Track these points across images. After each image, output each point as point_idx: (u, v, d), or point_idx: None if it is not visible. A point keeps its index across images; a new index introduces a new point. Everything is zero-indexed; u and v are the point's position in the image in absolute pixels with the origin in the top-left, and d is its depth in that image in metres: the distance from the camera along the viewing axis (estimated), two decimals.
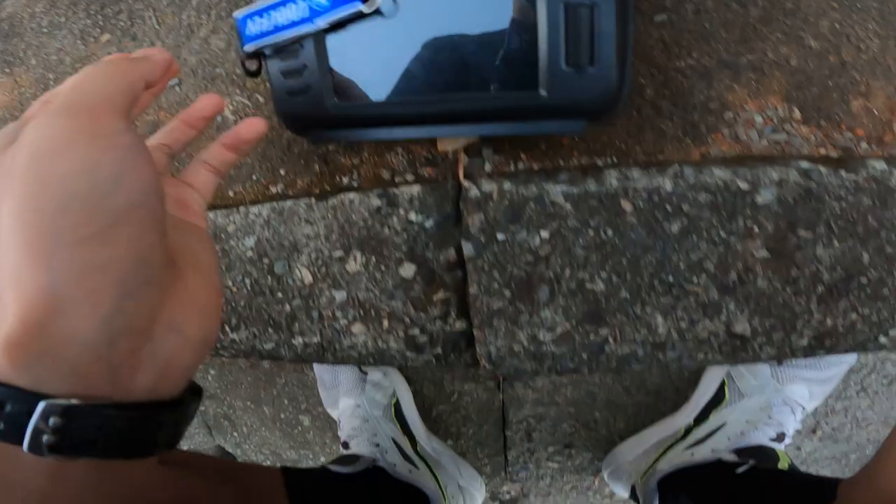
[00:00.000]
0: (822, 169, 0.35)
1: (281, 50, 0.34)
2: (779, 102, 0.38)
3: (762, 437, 0.64)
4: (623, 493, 0.76)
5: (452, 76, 0.33)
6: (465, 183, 0.40)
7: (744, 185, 0.35)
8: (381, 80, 0.34)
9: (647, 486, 0.69)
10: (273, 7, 0.32)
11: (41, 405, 0.19)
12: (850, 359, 0.60)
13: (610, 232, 0.37)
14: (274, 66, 0.35)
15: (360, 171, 0.44)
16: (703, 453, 0.66)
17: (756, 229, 0.36)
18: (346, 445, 0.65)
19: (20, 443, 0.20)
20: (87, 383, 0.20)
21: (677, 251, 0.37)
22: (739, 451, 0.63)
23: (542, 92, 0.31)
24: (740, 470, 0.59)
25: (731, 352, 0.41)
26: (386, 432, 0.65)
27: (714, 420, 0.67)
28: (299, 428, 0.76)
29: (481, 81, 0.32)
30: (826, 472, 0.81)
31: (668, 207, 0.36)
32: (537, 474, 0.79)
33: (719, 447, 0.65)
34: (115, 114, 0.22)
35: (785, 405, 0.62)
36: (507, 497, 0.84)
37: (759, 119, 0.38)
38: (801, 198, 0.35)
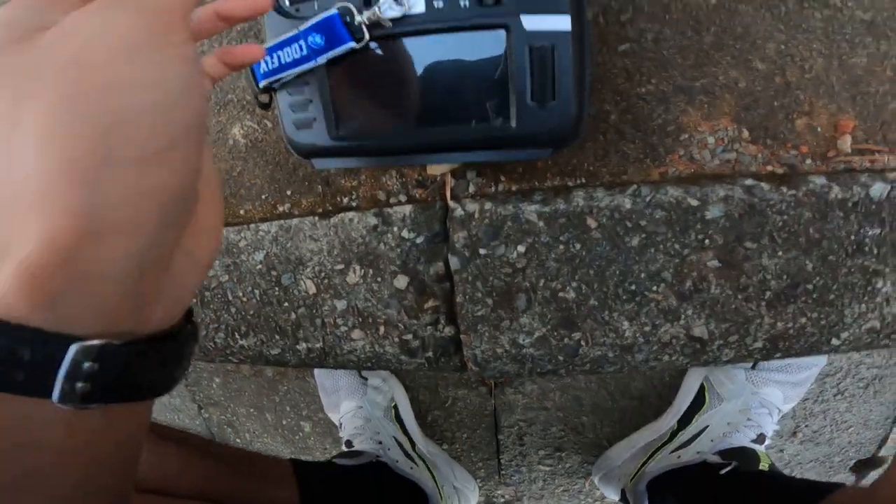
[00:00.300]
0: (765, 186, 0.40)
1: (289, 85, 0.39)
2: (729, 123, 0.42)
3: (743, 439, 0.67)
4: (614, 496, 0.79)
5: (437, 111, 0.38)
6: (452, 203, 0.45)
7: (694, 202, 0.40)
8: (376, 114, 0.39)
9: (636, 488, 0.72)
10: (279, 47, 0.37)
11: (73, 348, 0.17)
12: (819, 362, 0.63)
13: (578, 246, 0.42)
14: (283, 100, 0.40)
15: (359, 192, 0.49)
16: (688, 456, 0.69)
17: (707, 242, 0.41)
18: (349, 444, 0.68)
19: (46, 394, 0.18)
20: (112, 319, 0.18)
21: (638, 263, 0.42)
22: (723, 453, 0.66)
23: (512, 124, 0.36)
24: (724, 471, 0.62)
25: (692, 353, 0.45)
26: (388, 431, 0.69)
27: (697, 424, 0.70)
28: (300, 434, 0.80)
29: (462, 116, 0.37)
30: (810, 474, 0.84)
31: (629, 223, 0.41)
32: (530, 478, 0.82)
33: (704, 449, 0.68)
34: (184, 20, 0.19)
35: (762, 407, 0.65)
36: (502, 500, 0.87)
37: (711, 140, 0.42)
38: (745, 213, 0.40)
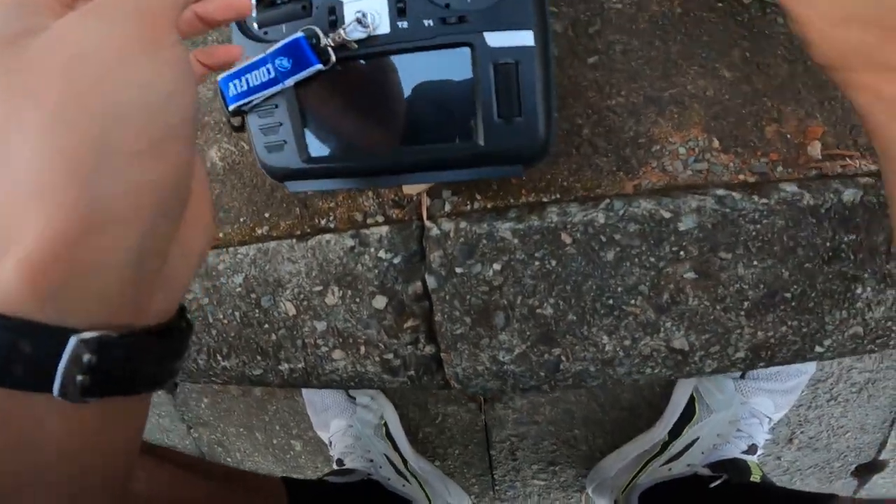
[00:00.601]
0: (736, 195, 0.40)
1: (258, 108, 0.39)
2: (699, 133, 0.43)
3: (734, 450, 0.67)
4: None
5: (406, 131, 0.38)
6: (428, 223, 0.45)
7: (667, 214, 0.40)
8: (345, 136, 0.39)
9: (628, 500, 0.71)
10: (247, 70, 0.37)
11: (72, 341, 0.17)
12: (808, 369, 0.63)
13: (554, 262, 0.42)
14: (254, 123, 0.40)
15: (336, 213, 0.49)
16: (679, 468, 0.68)
17: (682, 253, 0.41)
18: (340, 462, 0.68)
19: (46, 388, 0.17)
20: (112, 312, 0.19)
21: (614, 277, 0.41)
22: (713, 466, 0.65)
23: (480, 142, 0.36)
24: (713, 485, 0.61)
25: (674, 365, 0.45)
26: (379, 449, 0.69)
27: (687, 436, 0.70)
28: (291, 453, 0.79)
29: (430, 135, 0.37)
30: (811, 480, 0.83)
31: (603, 238, 0.41)
32: (525, 493, 0.81)
33: (694, 462, 0.68)
34: (173, 23, 0.20)
35: (752, 417, 0.65)
36: None
37: (682, 150, 0.43)
38: (718, 223, 0.40)
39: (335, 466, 0.69)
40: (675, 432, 0.71)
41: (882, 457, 0.82)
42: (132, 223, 0.18)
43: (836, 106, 0.42)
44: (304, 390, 0.72)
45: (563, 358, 0.45)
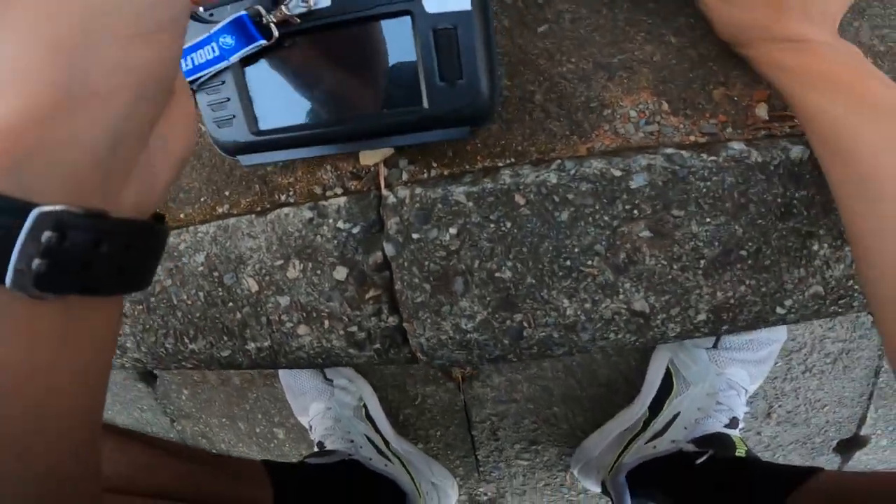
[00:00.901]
0: (685, 153, 0.40)
1: (206, 85, 0.39)
2: (649, 97, 0.43)
3: (716, 425, 0.66)
4: (595, 488, 0.78)
5: (354, 99, 0.38)
6: (385, 192, 0.45)
7: (618, 173, 0.40)
8: (294, 107, 0.39)
9: (616, 480, 0.71)
10: (192, 49, 0.37)
11: (34, 213, 0.16)
12: (778, 336, 0.63)
13: (509, 224, 0.42)
14: (202, 99, 0.40)
15: (296, 188, 0.49)
16: (664, 445, 0.68)
17: (636, 212, 0.41)
18: (321, 445, 0.68)
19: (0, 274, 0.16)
20: (79, 193, 0.18)
21: (570, 237, 0.41)
22: (698, 441, 0.65)
23: (425, 105, 0.36)
24: (700, 461, 0.61)
25: (637, 329, 0.45)
26: (359, 430, 0.68)
27: (668, 411, 0.70)
28: (275, 441, 0.79)
29: (375, 101, 0.37)
30: (793, 456, 0.83)
31: (556, 198, 0.41)
32: (509, 473, 0.81)
33: (678, 438, 0.68)
34: None
35: (730, 389, 0.65)
36: (485, 498, 0.86)
37: (633, 113, 0.43)
38: (669, 180, 0.40)
39: (316, 449, 0.69)
40: (656, 407, 0.71)
41: (863, 432, 0.82)
42: (110, 102, 0.18)
43: None
44: (281, 375, 0.72)
45: (526, 324, 0.45)
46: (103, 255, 0.19)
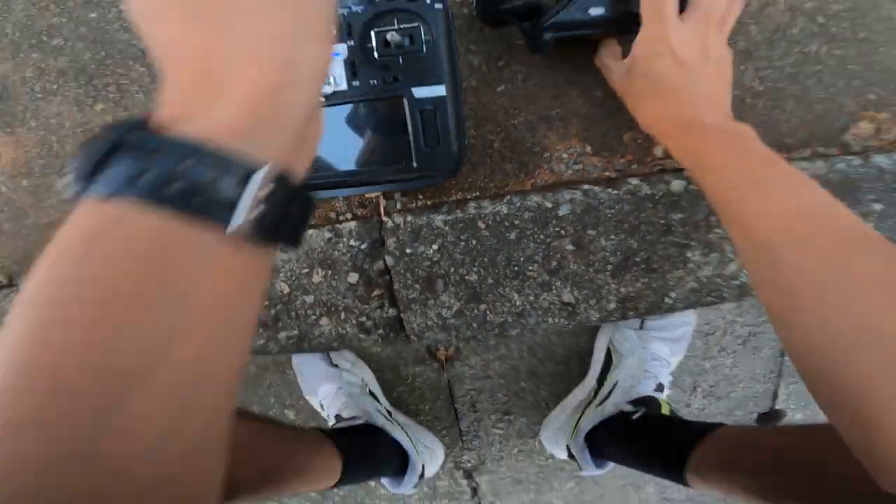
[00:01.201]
0: (597, 189, 0.57)
1: None
2: (577, 143, 0.60)
3: (647, 388, 0.84)
4: (562, 454, 0.95)
5: (360, 156, 0.55)
6: (384, 218, 0.62)
7: (549, 205, 0.57)
8: (318, 161, 0.56)
9: (576, 443, 0.88)
10: None
11: (265, 168, 0.21)
12: (688, 320, 0.81)
13: (474, 242, 0.59)
14: None
15: (317, 214, 0.65)
16: (609, 409, 0.85)
17: (563, 232, 0.58)
18: (339, 417, 0.83)
19: (225, 218, 0.21)
20: (285, 158, 0.23)
21: (517, 250, 0.58)
22: (634, 402, 0.83)
23: (414, 164, 0.53)
24: (635, 416, 0.78)
25: (567, 315, 0.62)
26: (368, 403, 0.85)
27: (610, 380, 0.87)
28: (286, 421, 0.95)
29: (378, 159, 0.54)
30: None
31: (507, 223, 0.58)
32: (488, 441, 0.98)
33: (619, 401, 0.85)
34: None
35: (654, 360, 0.82)
36: (469, 465, 1.02)
37: (565, 156, 0.60)
38: (585, 209, 0.57)
39: (334, 421, 0.85)
40: (601, 379, 0.88)
41: (777, 406, 0.98)
42: (312, 86, 0.24)
43: None
44: (294, 363, 0.88)
45: (489, 312, 0.62)
46: (291, 212, 0.23)
